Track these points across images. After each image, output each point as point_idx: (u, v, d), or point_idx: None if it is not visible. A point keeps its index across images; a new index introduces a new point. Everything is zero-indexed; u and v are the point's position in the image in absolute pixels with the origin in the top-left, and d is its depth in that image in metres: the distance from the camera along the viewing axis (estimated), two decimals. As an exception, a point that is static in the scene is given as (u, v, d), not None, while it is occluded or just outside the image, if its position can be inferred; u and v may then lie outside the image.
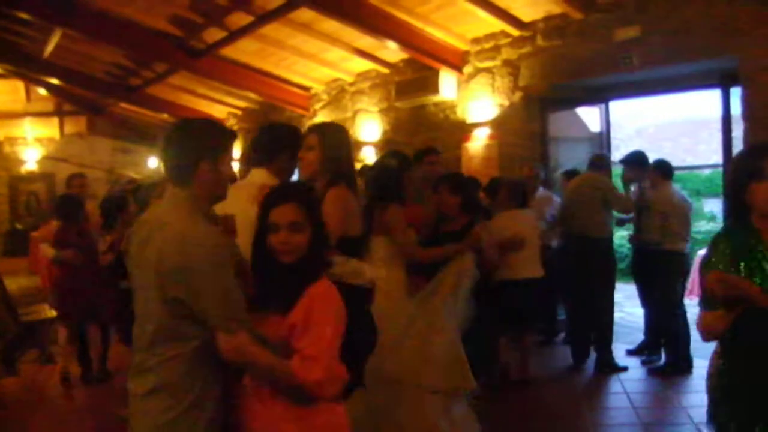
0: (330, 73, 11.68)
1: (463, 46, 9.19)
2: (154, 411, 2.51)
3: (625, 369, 7.04)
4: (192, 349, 2.50)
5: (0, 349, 8.02)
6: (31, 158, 20.43)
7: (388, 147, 10.45)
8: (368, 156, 10.85)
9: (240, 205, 3.88)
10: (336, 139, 3.90)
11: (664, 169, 7.20)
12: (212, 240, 2.56)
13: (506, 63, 8.69)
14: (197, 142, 2.68)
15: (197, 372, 2.51)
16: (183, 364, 2.50)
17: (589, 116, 8.92)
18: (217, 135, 2.78)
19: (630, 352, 7.56)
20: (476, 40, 9.02)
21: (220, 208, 2.98)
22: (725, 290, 2.54)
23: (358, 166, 8.00)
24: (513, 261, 6.36)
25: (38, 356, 8.26)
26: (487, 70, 8.95)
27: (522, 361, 6.84)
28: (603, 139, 8.85)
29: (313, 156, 3.81)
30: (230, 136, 2.86)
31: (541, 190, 8.08)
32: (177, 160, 2.67)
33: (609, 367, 7.02)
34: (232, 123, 16.00)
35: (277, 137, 3.95)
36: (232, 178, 2.89)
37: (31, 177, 20.47)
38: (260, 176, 3.83)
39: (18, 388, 7.54)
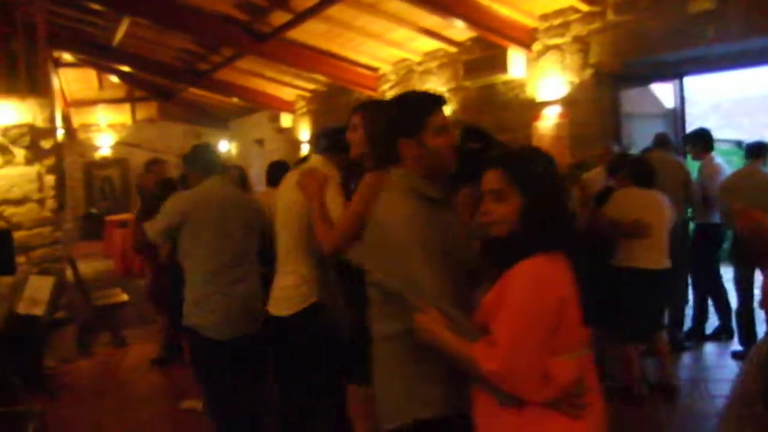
0: (397, 53, 11.61)
1: (531, 23, 9.02)
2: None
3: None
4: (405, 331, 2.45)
5: (74, 332, 8.24)
6: (104, 144, 20.95)
7: (456, 126, 10.37)
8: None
9: (287, 187, 3.88)
10: (379, 118, 3.72)
11: (702, 140, 7.32)
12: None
13: (576, 39, 8.49)
14: (391, 122, 2.70)
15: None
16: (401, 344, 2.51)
17: (663, 91, 8.68)
18: (410, 110, 2.67)
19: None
20: (545, 17, 8.84)
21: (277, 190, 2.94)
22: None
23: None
24: (634, 247, 5.71)
25: (111, 339, 8.44)
26: (557, 47, 8.78)
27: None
28: (677, 115, 8.61)
29: (357, 137, 3.62)
30: (423, 108, 2.67)
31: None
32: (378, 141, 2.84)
33: None
34: (301, 105, 16.07)
35: (343, 128, 3.80)
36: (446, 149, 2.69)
37: (104, 163, 20.99)
38: (316, 162, 3.78)
39: (92, 370, 7.72)
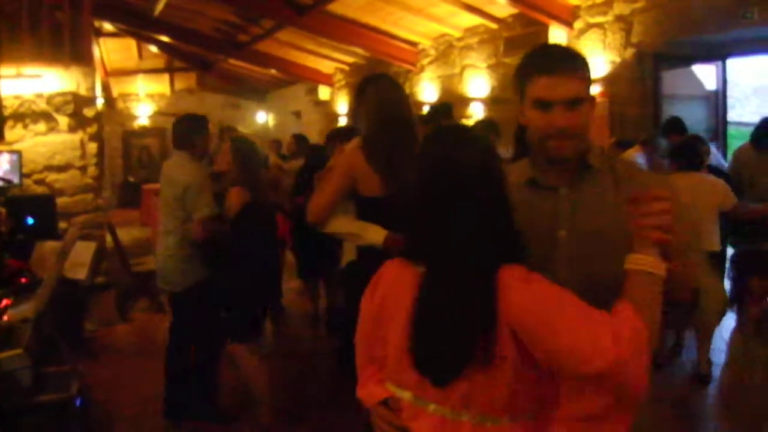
0: (437, 28, 11.59)
1: (573, 1, 8.96)
2: None
3: None
4: None
5: (113, 297, 8.40)
6: (143, 114, 21.10)
7: (495, 104, 10.37)
8: (476, 112, 10.80)
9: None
10: (362, 94, 3.79)
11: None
12: None
13: (618, 18, 8.43)
14: None
15: None
16: None
17: (705, 73, 8.60)
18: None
19: None
20: (588, -6, 8.81)
21: None
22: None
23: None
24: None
25: (149, 305, 8.59)
26: (599, 25, 8.71)
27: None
28: (719, 98, 8.52)
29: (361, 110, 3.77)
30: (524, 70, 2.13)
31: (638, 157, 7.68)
32: None
33: None
34: (339, 78, 16.11)
35: None
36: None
37: (143, 132, 21.16)
38: (356, 143, 3.80)
39: (131, 335, 7.87)
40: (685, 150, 6.00)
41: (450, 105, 7.53)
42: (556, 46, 2.27)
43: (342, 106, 15.91)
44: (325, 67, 16.19)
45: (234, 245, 4.77)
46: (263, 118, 21.75)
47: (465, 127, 2.43)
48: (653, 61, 8.29)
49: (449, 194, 1.85)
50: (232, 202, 4.81)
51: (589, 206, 2.12)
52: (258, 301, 5.07)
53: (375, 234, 3.50)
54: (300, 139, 9.62)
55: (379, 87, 3.74)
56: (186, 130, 5.15)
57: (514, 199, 1.96)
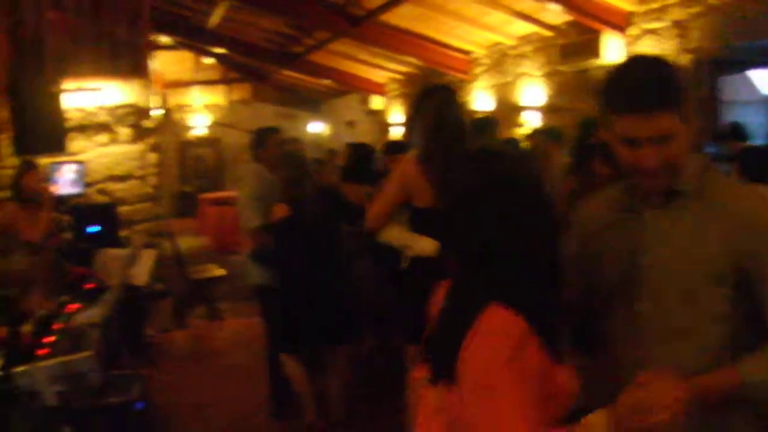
0: (491, 37, 11.59)
1: (628, 7, 8.90)
2: None
3: None
4: None
5: (171, 304, 8.55)
6: (198, 124, 21.42)
7: (552, 112, 10.32)
8: (530, 121, 10.74)
9: None
10: (419, 106, 3.84)
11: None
12: None
13: (675, 24, 8.35)
14: None
15: None
16: None
17: (761, 78, 8.48)
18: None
19: None
20: (642, 0, 8.73)
21: None
22: None
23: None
24: None
25: (206, 312, 8.72)
26: (654, 31, 8.64)
27: None
28: (777, 103, 8.43)
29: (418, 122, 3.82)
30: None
31: None
32: None
33: None
34: (392, 88, 16.18)
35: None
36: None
37: (198, 142, 21.47)
38: (412, 154, 3.81)
39: (188, 341, 8.00)
40: (758, 158, 5.62)
41: (494, 120, 7.50)
42: (644, 70, 1.96)
43: (395, 115, 15.96)
44: (379, 76, 16.26)
45: (274, 258, 4.90)
46: (317, 128, 21.93)
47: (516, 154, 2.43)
48: (710, 67, 8.20)
49: (476, 210, 1.82)
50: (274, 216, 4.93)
51: (672, 234, 2.02)
52: (298, 315, 5.00)
53: (426, 244, 3.56)
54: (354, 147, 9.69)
55: (437, 100, 3.75)
56: (252, 143, 5.49)
57: (599, 222, 2.02)
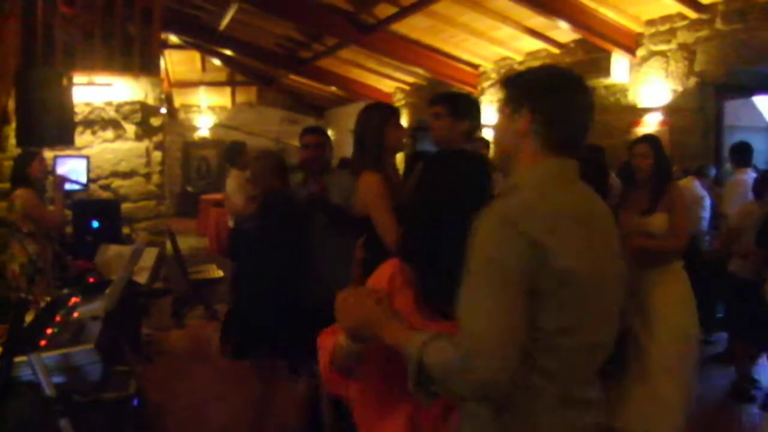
0: (499, 52, 11.64)
1: (636, 28, 8.96)
2: None
3: None
4: None
5: (170, 303, 8.56)
6: (203, 125, 21.40)
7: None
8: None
9: None
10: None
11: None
12: None
13: (682, 47, 8.41)
14: None
15: None
16: None
17: (765, 104, 8.53)
18: None
19: None
20: (651, 22, 8.78)
21: None
22: None
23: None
24: None
25: (204, 313, 8.73)
26: (661, 53, 8.70)
27: None
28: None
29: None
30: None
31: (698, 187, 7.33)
32: None
33: None
34: (399, 97, 16.21)
35: None
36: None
37: (203, 143, 21.45)
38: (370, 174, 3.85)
39: (185, 340, 8.01)
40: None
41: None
42: None
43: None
44: (386, 86, 16.30)
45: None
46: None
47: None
48: (715, 91, 8.25)
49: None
50: None
51: None
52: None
53: None
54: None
55: (378, 118, 3.91)
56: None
57: None
